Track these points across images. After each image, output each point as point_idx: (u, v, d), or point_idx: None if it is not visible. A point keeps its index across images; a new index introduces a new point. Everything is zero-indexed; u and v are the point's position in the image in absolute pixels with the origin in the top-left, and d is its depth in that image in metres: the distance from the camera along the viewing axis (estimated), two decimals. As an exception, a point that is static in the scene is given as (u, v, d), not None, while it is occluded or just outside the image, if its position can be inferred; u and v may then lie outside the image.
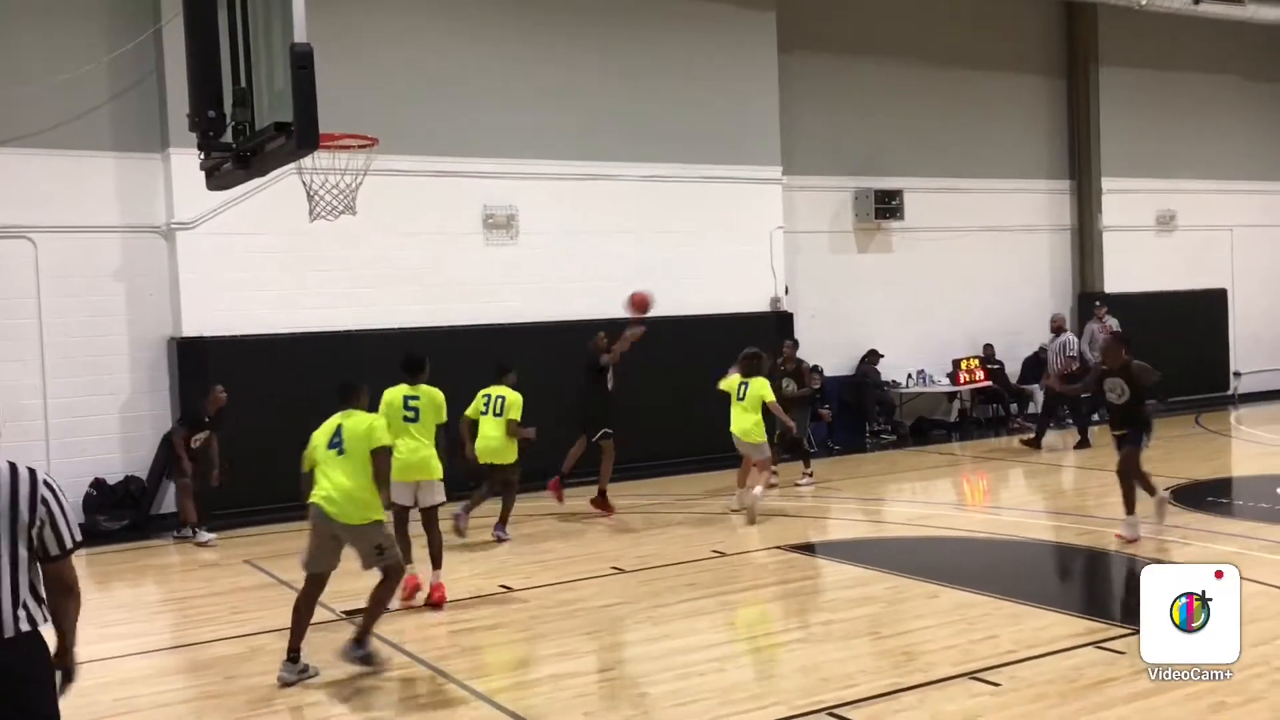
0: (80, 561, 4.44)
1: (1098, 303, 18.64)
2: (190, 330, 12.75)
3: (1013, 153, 19.14)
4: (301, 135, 6.13)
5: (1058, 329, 16.93)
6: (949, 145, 18.39)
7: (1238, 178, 21.03)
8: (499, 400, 10.58)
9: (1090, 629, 7.33)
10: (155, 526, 12.37)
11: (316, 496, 6.82)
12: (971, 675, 6.47)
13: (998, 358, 18.38)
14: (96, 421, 12.61)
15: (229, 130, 7.03)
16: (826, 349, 17.04)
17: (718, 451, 14.84)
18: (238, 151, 6.98)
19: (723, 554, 10.02)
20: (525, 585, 9.09)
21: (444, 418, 8.76)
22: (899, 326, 17.89)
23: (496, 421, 10.46)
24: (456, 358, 13.93)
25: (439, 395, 8.71)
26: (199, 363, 12.65)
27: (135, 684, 7.00)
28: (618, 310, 15.02)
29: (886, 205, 17.37)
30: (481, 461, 10.53)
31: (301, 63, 6.03)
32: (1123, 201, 19.63)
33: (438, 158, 13.95)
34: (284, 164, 7.22)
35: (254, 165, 6.96)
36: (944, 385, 18.04)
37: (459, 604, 8.56)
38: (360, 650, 6.85)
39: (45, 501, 3.78)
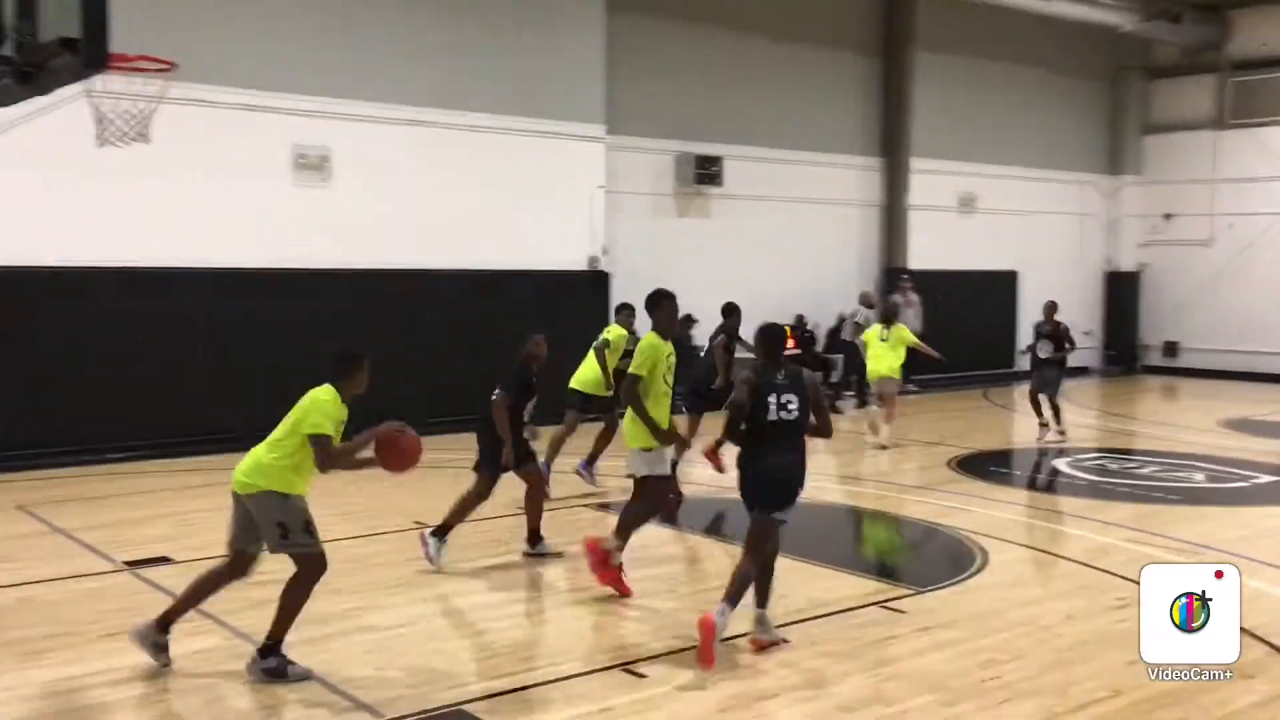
0: None
1: (904, 276, 19.40)
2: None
3: (830, 128, 19.63)
4: (89, 53, 5.72)
5: (866, 304, 17.64)
6: (769, 116, 18.70)
7: (1035, 166, 22.16)
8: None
9: (877, 589, 7.63)
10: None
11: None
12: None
13: (809, 327, 18.89)
14: None
15: (8, 43, 6.48)
16: (641, 314, 17.09)
17: (549, 403, 14.80)
18: (18, 66, 6.45)
19: (528, 511, 9.96)
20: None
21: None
22: (714, 293, 18.06)
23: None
24: (264, 300, 13.48)
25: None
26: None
27: (-117, 637, 6.47)
28: (434, 260, 14.81)
29: (707, 171, 17.56)
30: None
31: (91, -27, 5.61)
32: (929, 182, 20.41)
33: (245, 90, 13.28)
34: (70, 83, 6.72)
35: (37, 82, 6.45)
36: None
37: (251, 556, 8.25)
38: (267, 661, 5.82)
39: None
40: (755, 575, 6.41)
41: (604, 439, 11.14)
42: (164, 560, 8.23)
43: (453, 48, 14.95)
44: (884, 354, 13.95)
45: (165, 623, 6.01)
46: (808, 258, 19.32)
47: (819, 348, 19.17)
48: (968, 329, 19.78)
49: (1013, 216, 21.87)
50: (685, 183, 17.61)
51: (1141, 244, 23.77)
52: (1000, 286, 21.59)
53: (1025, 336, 21.67)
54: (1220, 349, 22.28)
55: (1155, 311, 23.44)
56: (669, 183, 17.67)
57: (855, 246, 20.19)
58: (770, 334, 6.49)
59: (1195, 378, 22.09)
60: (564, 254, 15.98)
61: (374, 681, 5.83)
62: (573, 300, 15.88)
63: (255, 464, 5.89)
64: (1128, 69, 23.45)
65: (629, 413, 7.37)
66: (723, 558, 8.52)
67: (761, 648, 6.29)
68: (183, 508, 10.14)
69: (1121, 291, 23.73)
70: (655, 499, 7.48)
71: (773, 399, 6.26)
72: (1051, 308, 15.16)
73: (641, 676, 5.93)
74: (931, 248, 20.46)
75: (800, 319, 18.79)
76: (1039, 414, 14.48)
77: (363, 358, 6.11)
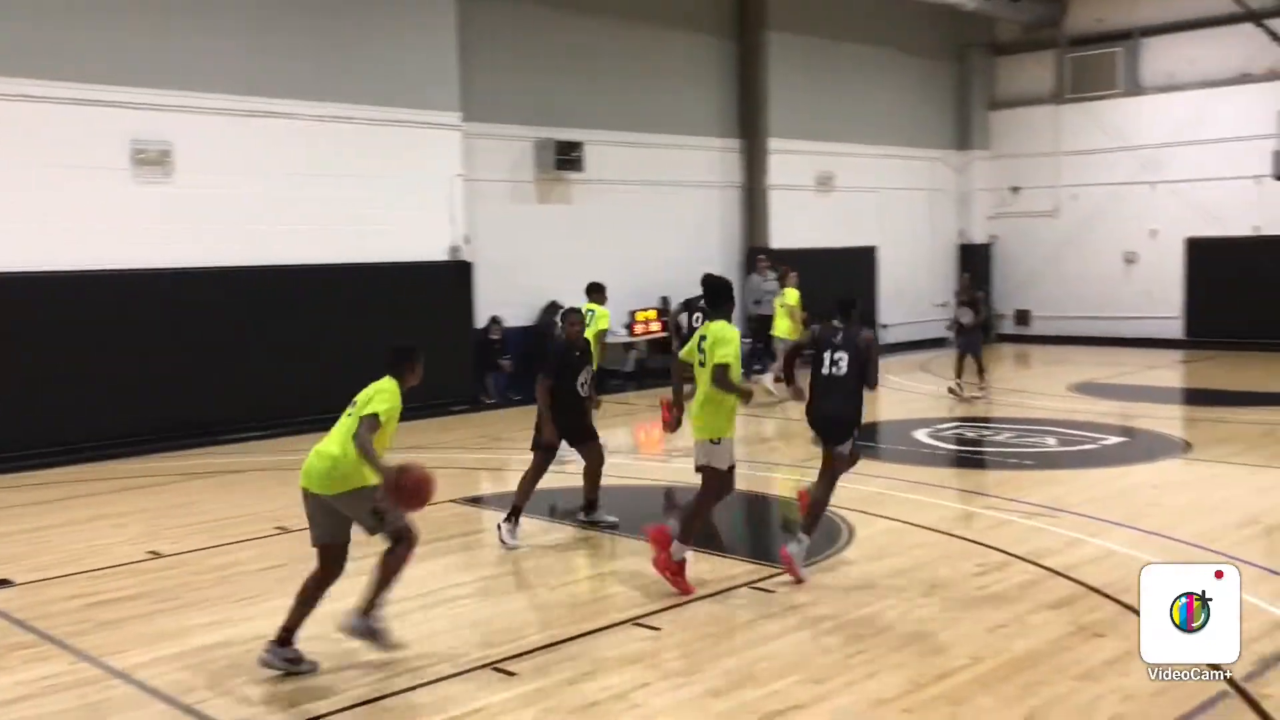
0: None
1: (760, 255, 19.63)
2: None
3: (689, 111, 19.71)
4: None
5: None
6: (628, 100, 18.68)
7: (888, 143, 22.66)
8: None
9: (748, 570, 7.68)
10: None
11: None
12: (635, 621, 6.62)
13: (672, 309, 18.95)
14: None
15: None
16: (508, 300, 16.98)
17: (409, 401, 14.52)
18: None
19: (394, 509, 9.75)
20: (176, 550, 8.49)
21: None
22: (579, 278, 17.96)
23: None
24: (99, 304, 12.86)
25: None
26: None
27: None
28: (289, 255, 14.36)
29: (567, 157, 17.43)
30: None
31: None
32: (787, 162, 20.68)
33: (77, 84, 12.63)
34: None
35: None
36: (621, 336, 18.43)
37: (97, 573, 7.89)
38: (364, 623, 5.98)
39: None
40: (826, 502, 7.52)
41: None
42: (3, 583, 7.78)
43: (301, 36, 14.51)
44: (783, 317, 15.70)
45: (285, 638, 5.90)
46: (671, 240, 19.39)
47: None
48: (830, 305, 20.09)
49: (869, 194, 22.34)
50: (546, 169, 17.46)
51: (991, 216, 24.57)
52: (859, 262, 22.01)
53: (886, 310, 22.32)
54: (1068, 315, 23.19)
55: (1007, 281, 24.25)
56: (529, 169, 17.50)
57: (718, 227, 20.35)
58: (841, 301, 7.79)
59: (1046, 344, 22.96)
60: (424, 245, 15.69)
61: (233, 701, 5.61)
62: (435, 292, 15.65)
63: (334, 465, 5.84)
64: (972, 46, 24.15)
65: (699, 404, 7.17)
66: (598, 547, 8.47)
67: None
68: (34, 524, 9.60)
69: (975, 263, 24.42)
70: (722, 489, 7.38)
71: (827, 355, 7.49)
72: (967, 279, 17.23)
73: (512, 675, 5.84)
74: (792, 226, 20.76)
75: (664, 300, 18.85)
76: (959, 375, 16.09)
77: (417, 350, 6.20)
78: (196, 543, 8.73)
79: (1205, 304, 21.58)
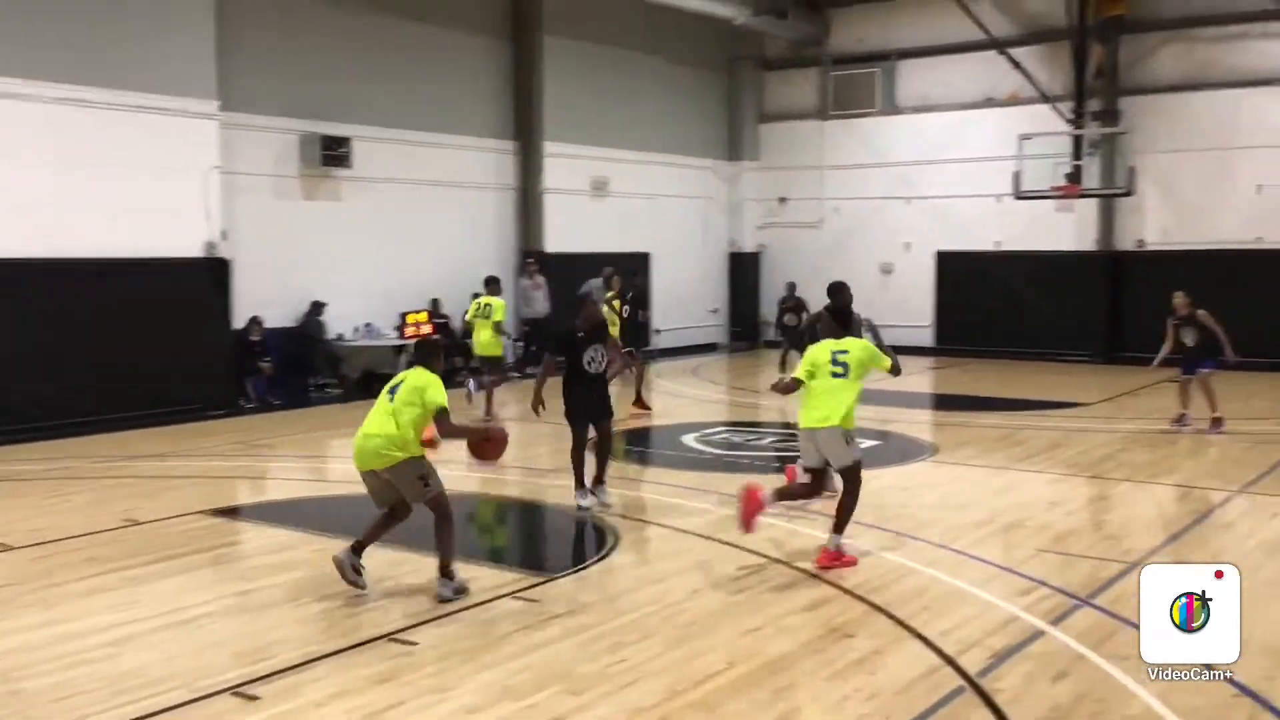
0: None
1: (529, 259, 19.60)
2: None
3: (463, 111, 19.42)
4: None
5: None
6: (401, 97, 18.23)
7: (661, 151, 23.02)
8: None
9: (510, 580, 7.55)
10: None
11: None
12: (390, 636, 6.39)
13: (444, 311, 18.64)
14: None
15: None
16: (269, 299, 16.25)
17: (145, 407, 13.66)
18: None
19: (135, 522, 9.14)
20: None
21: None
22: (346, 278, 17.51)
23: None
24: None
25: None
26: None
27: None
28: (29, 249, 13.28)
29: (334, 152, 16.83)
30: None
31: None
32: (562, 166, 20.68)
33: None
34: None
35: None
36: (392, 338, 17.96)
37: None
38: (450, 585, 7.08)
39: None
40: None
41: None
42: None
43: (44, 11, 13.41)
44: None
45: (359, 548, 7.25)
46: (444, 242, 19.05)
47: (461, 334, 18.97)
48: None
49: (643, 200, 22.62)
50: (311, 164, 16.80)
51: (760, 226, 25.33)
52: (634, 268, 22.19)
53: (659, 316, 22.62)
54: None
55: (775, 289, 24.97)
56: (294, 164, 16.80)
57: (492, 230, 20.13)
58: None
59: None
60: (178, 241, 14.81)
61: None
62: (190, 290, 14.82)
63: (388, 441, 7.02)
64: (742, 60, 24.84)
65: (848, 408, 7.88)
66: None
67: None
68: None
69: (744, 271, 25.19)
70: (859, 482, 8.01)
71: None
72: (792, 286, 19.82)
73: (254, 699, 5.51)
74: (567, 231, 20.77)
75: (435, 303, 18.53)
76: (782, 369, 17.34)
77: (441, 343, 8.23)
78: (-98, 564, 7.90)
79: (952, 314, 22.93)
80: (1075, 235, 21.72)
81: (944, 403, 17.50)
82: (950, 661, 5.94)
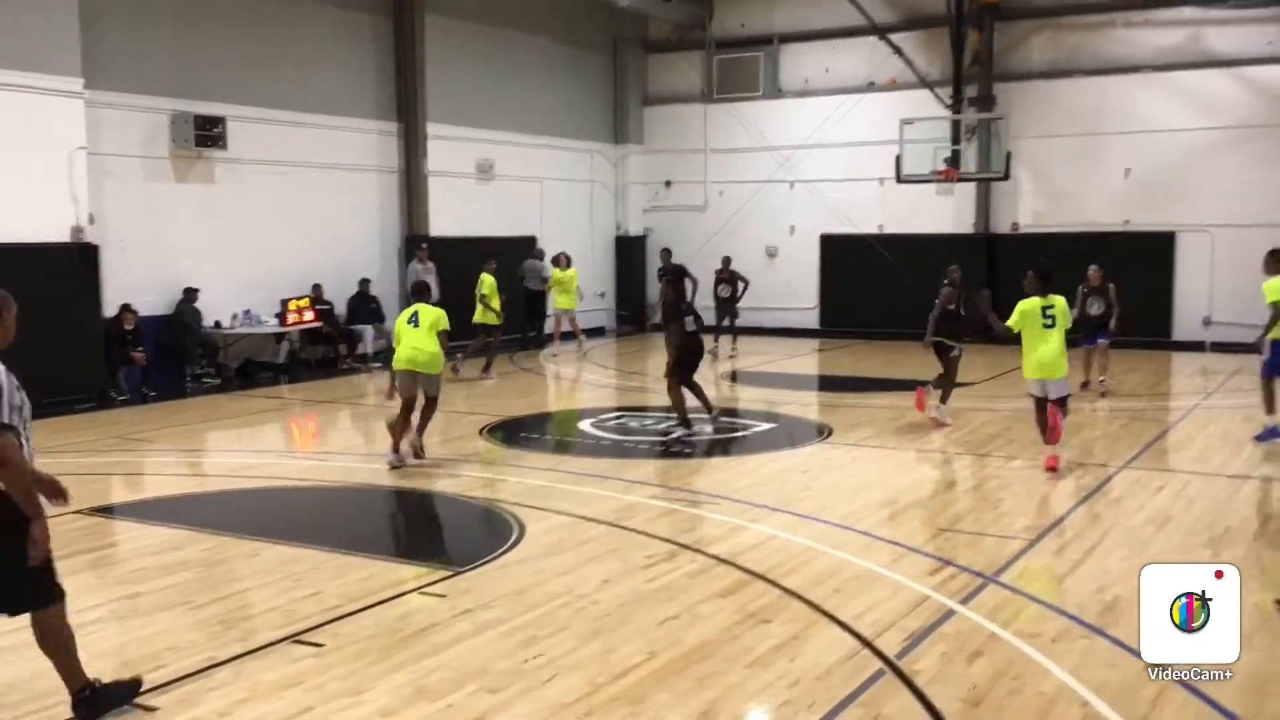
0: None
1: (423, 244, 19.20)
2: None
3: (344, 91, 18.84)
4: None
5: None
6: (279, 76, 17.60)
7: (547, 134, 22.77)
8: None
9: (414, 575, 7.33)
10: None
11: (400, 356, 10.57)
12: (294, 638, 6.12)
13: (327, 298, 18.12)
14: None
15: None
16: (140, 286, 15.54)
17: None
18: None
19: (6, 525, 8.58)
20: None
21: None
22: (223, 263, 16.85)
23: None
24: None
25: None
26: None
27: None
28: None
29: (208, 133, 16.13)
30: None
31: None
32: (447, 148, 20.27)
33: None
34: None
35: None
36: (272, 326, 17.37)
37: None
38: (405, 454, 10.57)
39: None
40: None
41: None
42: None
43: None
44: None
45: (395, 445, 10.57)
46: (326, 226, 18.50)
47: (344, 321, 18.48)
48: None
49: (530, 183, 22.35)
50: (184, 145, 16.07)
51: (646, 209, 25.28)
52: (520, 252, 21.95)
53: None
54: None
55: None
56: (164, 144, 16.06)
57: (376, 213, 19.62)
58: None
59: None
60: (42, 225, 14.01)
61: None
62: (56, 277, 14.04)
63: (432, 357, 10.50)
64: (626, 42, 24.71)
65: (1059, 352, 10.30)
66: (253, 555, 7.80)
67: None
68: None
69: (630, 254, 25.11)
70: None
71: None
72: (728, 260, 20.40)
73: (151, 709, 5.20)
74: (452, 214, 20.39)
75: (318, 289, 17.98)
76: (717, 337, 19.32)
77: (426, 286, 11.69)
78: None
79: (837, 296, 23.26)
80: (955, 218, 22.25)
81: (833, 384, 17.72)
82: (868, 644, 5.95)
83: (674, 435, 12.13)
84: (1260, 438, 11.46)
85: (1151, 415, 13.83)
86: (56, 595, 5.06)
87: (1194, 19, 20.04)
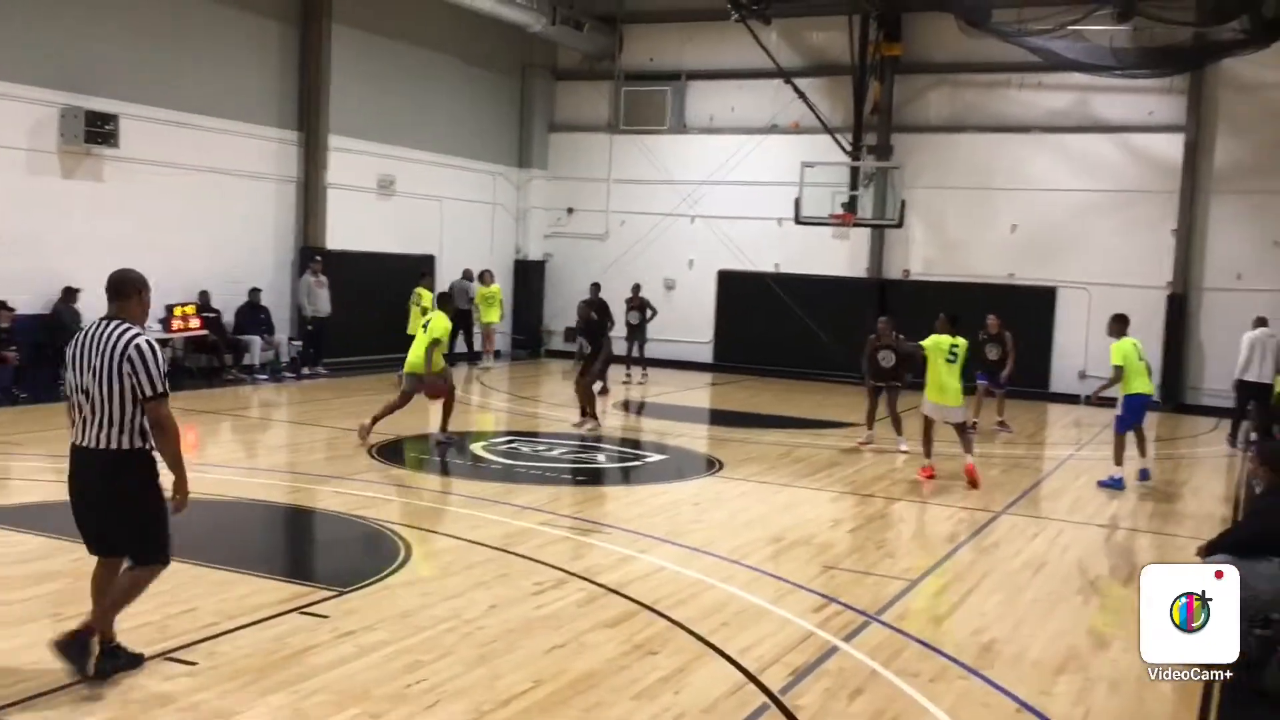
0: None
1: (317, 257, 18.88)
2: None
3: (245, 96, 18.45)
4: None
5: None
6: (177, 77, 17.15)
7: (451, 153, 22.63)
8: None
9: (295, 593, 7.15)
10: None
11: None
12: (167, 655, 5.91)
13: (214, 305, 17.65)
14: None
15: None
16: (18, 283, 14.93)
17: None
18: None
19: None
20: None
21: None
22: (107, 264, 15.92)
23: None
24: None
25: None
26: None
27: None
28: None
29: (99, 130, 15.62)
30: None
31: None
32: (348, 161, 19.99)
33: None
34: None
35: None
36: (155, 332, 16.83)
37: None
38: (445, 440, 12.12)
39: (130, 359, 5.59)
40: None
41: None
42: None
43: None
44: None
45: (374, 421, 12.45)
46: (218, 232, 18.04)
47: (232, 330, 18.03)
48: (384, 312, 19.64)
49: (431, 202, 22.17)
50: (73, 141, 15.54)
51: (547, 235, 25.27)
52: (417, 270, 21.72)
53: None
54: (614, 335, 24.24)
55: (558, 299, 24.98)
56: (52, 139, 15.51)
57: (272, 223, 19.21)
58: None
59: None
60: (-86, 213, 13.41)
61: None
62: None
63: (420, 359, 12.47)
64: (535, 68, 24.76)
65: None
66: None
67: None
68: None
69: (529, 279, 25.03)
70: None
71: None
72: (637, 287, 20.83)
73: (10, 729, 4.97)
74: (350, 229, 20.09)
75: (204, 296, 17.53)
76: (629, 365, 20.16)
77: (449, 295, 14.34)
78: None
79: (732, 331, 23.53)
80: (849, 262, 22.72)
81: (725, 419, 17.88)
82: (753, 679, 6.00)
83: (587, 428, 14.12)
84: (1103, 483, 12.26)
85: (1029, 463, 14.28)
86: (164, 559, 5.69)
87: (1083, 84, 20.87)
